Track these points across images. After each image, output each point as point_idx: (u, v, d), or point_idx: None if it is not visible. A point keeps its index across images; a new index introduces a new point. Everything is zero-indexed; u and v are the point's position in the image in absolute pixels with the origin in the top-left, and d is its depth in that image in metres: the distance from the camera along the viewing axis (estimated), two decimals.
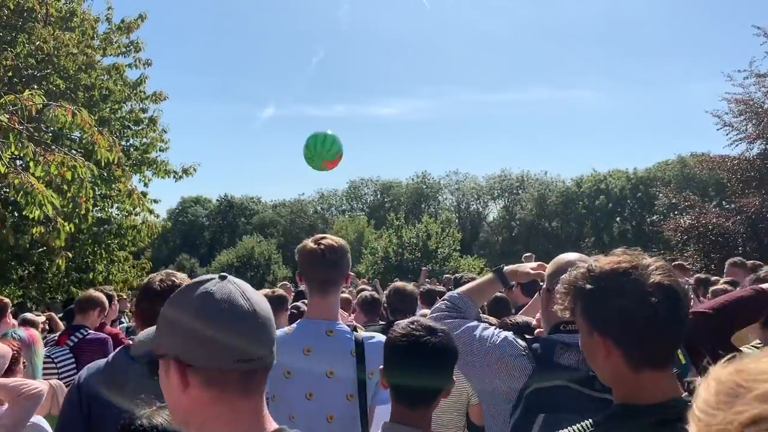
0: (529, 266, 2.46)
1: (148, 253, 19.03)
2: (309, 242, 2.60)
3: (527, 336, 2.15)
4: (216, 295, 1.12)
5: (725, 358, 0.78)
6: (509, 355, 2.05)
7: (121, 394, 2.09)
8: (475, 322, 2.28)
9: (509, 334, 2.14)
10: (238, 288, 1.16)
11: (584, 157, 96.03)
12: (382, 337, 2.57)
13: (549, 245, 43.96)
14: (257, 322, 1.14)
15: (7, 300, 4.36)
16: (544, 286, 2.19)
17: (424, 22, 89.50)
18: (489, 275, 2.51)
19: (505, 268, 2.49)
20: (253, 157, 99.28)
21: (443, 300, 2.42)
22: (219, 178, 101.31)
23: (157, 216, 12.45)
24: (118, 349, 2.35)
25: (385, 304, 4.78)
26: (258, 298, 1.17)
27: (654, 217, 43.31)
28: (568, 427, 1.43)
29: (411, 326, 1.97)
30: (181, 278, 2.31)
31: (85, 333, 4.52)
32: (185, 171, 13.60)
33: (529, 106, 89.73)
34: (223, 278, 1.17)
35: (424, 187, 62.78)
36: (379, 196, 64.67)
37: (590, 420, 1.43)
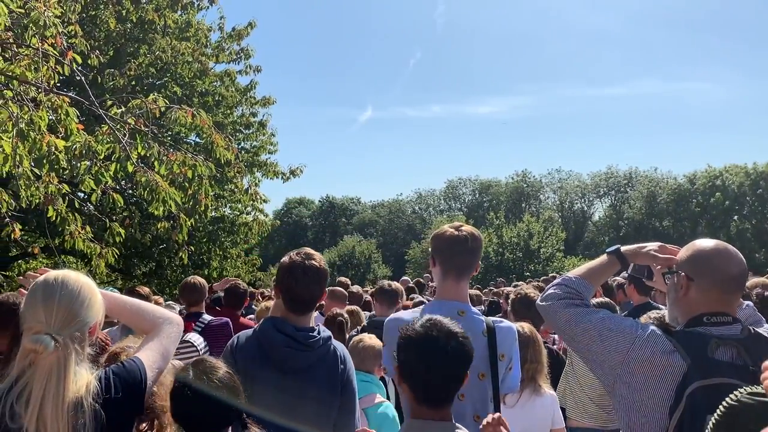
0: (650, 247, 2.20)
1: (256, 252, 19.83)
2: (448, 228, 2.67)
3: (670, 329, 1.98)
4: None
5: None
6: (660, 352, 1.86)
7: (268, 358, 2.41)
8: (606, 311, 2.11)
9: (654, 327, 1.95)
10: None
11: (698, 152, 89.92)
12: (509, 323, 2.65)
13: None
14: None
15: (147, 289, 4.67)
16: (683, 273, 1.98)
17: (521, 19, 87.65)
18: (604, 257, 2.25)
19: (623, 248, 2.24)
20: (352, 159, 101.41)
21: (556, 284, 2.18)
22: (320, 179, 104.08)
23: (266, 215, 12.91)
24: (266, 319, 2.57)
25: (509, 309, 4.64)
26: None
27: None
28: None
29: (429, 326, 1.94)
30: (320, 258, 2.58)
31: (206, 319, 4.81)
32: (292, 172, 14.02)
33: (638, 99, 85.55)
34: None
35: (525, 185, 61.36)
36: (477, 195, 63.91)
37: None
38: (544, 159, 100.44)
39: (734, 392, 1.40)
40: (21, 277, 2.11)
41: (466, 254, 2.61)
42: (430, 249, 2.75)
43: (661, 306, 5.09)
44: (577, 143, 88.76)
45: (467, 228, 2.66)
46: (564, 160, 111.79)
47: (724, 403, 1.40)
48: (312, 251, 2.60)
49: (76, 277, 1.86)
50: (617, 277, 6.81)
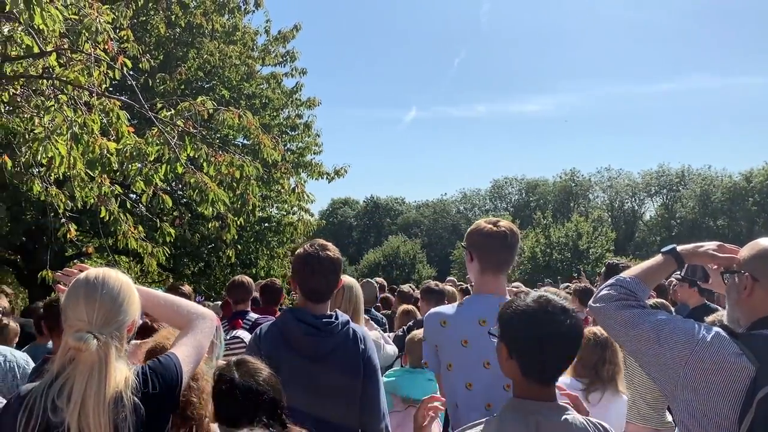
0: (709, 246, 2.08)
1: None
2: (485, 224, 2.67)
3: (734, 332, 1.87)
4: None
5: None
6: (727, 355, 1.74)
7: (291, 347, 2.48)
8: (664, 312, 2.00)
9: (719, 329, 1.83)
10: None
11: (754, 149, 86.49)
12: None
13: None
14: None
15: (189, 287, 4.74)
16: (746, 273, 1.87)
17: (567, 15, 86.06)
18: (659, 257, 2.14)
19: (680, 247, 2.12)
20: (396, 159, 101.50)
21: (610, 285, 2.07)
22: (365, 179, 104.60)
23: (312, 215, 13.04)
24: (285, 310, 2.68)
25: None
26: None
27: None
28: None
29: (543, 302, 1.87)
30: (334, 248, 2.63)
31: (253, 317, 4.86)
32: (337, 172, 14.09)
33: (690, 95, 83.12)
34: None
35: (573, 184, 60.22)
36: (524, 195, 63.08)
37: None
38: (592, 157, 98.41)
39: None
40: (59, 273, 2.15)
41: (503, 250, 2.62)
42: (465, 244, 2.75)
43: (719, 308, 4.88)
44: (626, 141, 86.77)
45: (504, 223, 2.67)
46: (613, 159, 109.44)
47: None
48: (325, 242, 2.66)
49: (116, 275, 1.89)
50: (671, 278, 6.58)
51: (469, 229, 2.76)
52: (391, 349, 4.46)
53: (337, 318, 2.58)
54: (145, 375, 1.81)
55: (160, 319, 2.33)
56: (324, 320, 2.53)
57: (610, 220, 52.89)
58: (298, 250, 2.66)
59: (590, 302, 2.12)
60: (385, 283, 8.40)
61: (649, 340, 1.87)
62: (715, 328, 1.84)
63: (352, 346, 2.55)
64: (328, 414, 2.42)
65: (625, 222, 57.60)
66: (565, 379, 3.35)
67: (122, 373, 1.77)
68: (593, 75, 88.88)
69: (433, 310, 2.77)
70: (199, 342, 2.02)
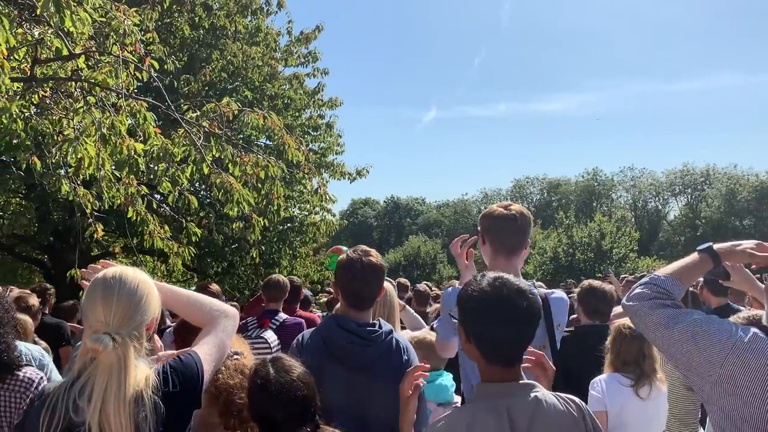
0: (747, 245, 2.03)
1: (324, 252, 20.11)
2: (497, 207, 2.74)
3: None
4: None
5: None
6: (766, 355, 1.69)
7: (333, 355, 2.46)
8: (701, 312, 1.94)
9: (757, 330, 1.77)
10: None
11: None
12: (561, 293, 2.75)
13: None
14: None
15: (217, 287, 4.76)
16: None
17: (589, 13, 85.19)
18: (695, 255, 2.07)
19: (716, 245, 2.06)
20: (417, 159, 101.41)
21: (644, 284, 2.01)
22: (385, 180, 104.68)
23: (334, 215, 13.08)
24: (328, 317, 2.72)
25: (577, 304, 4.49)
26: None
27: None
28: None
29: (498, 284, 1.84)
30: (377, 255, 2.64)
31: (282, 317, 4.85)
32: (359, 173, 14.10)
33: (715, 94, 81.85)
34: None
35: (596, 184, 59.63)
36: (546, 194, 62.63)
37: None
38: (615, 157, 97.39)
39: None
40: (83, 270, 2.16)
41: (516, 233, 2.67)
42: (479, 228, 2.80)
43: (741, 308, 4.79)
44: (650, 140, 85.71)
45: (516, 207, 2.72)
46: (636, 158, 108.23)
47: None
48: (369, 248, 2.64)
49: (133, 274, 1.90)
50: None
51: (481, 213, 2.82)
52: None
53: (380, 327, 2.55)
54: (165, 374, 1.81)
55: (183, 317, 2.34)
56: (367, 329, 2.51)
57: (633, 219, 52.30)
58: (341, 257, 2.64)
59: (623, 300, 2.06)
60: (408, 283, 8.38)
61: (684, 340, 1.81)
62: (753, 329, 1.78)
63: (396, 357, 2.53)
64: (369, 424, 2.40)
65: (648, 222, 56.89)
66: (606, 376, 3.31)
67: (143, 372, 1.78)
68: (617, 73, 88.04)
69: (450, 288, 2.86)
70: (221, 340, 2.02)
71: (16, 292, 4.85)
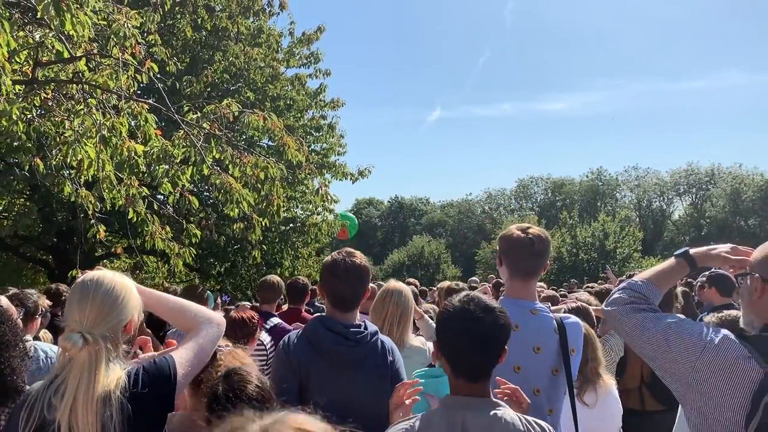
0: (721, 249, 2.10)
1: (327, 252, 20.14)
2: (515, 230, 2.68)
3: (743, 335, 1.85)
4: None
5: None
6: (734, 357, 1.74)
7: (319, 356, 2.47)
8: (676, 316, 1.99)
9: (727, 332, 1.82)
10: None
11: None
12: (576, 319, 2.70)
13: (745, 246, 39.21)
14: None
15: (201, 287, 4.79)
16: (757, 275, 1.87)
17: (593, 12, 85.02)
18: (671, 260, 2.15)
19: (692, 250, 2.14)
20: (421, 159, 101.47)
21: (622, 288, 2.09)
22: (389, 180, 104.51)
23: (337, 216, 13.09)
24: (314, 319, 2.67)
25: None
26: None
27: None
28: None
29: (466, 300, 1.92)
30: (361, 256, 2.63)
31: (275, 321, 4.86)
32: (361, 173, 14.10)
33: (720, 93, 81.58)
34: None
35: (600, 183, 59.50)
36: (550, 194, 62.48)
37: None
38: (619, 156, 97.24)
39: None
40: (85, 271, 2.22)
41: (532, 258, 2.61)
42: (497, 248, 2.78)
43: None
44: (654, 140, 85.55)
45: (534, 230, 2.66)
46: (640, 158, 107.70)
47: None
48: (353, 250, 2.65)
49: (111, 277, 1.94)
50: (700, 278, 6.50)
51: (500, 233, 2.78)
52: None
53: (366, 328, 2.57)
54: (136, 375, 1.85)
55: (168, 320, 2.38)
56: (352, 329, 2.53)
57: (637, 219, 52.22)
58: (326, 258, 2.67)
59: (603, 305, 2.16)
60: (417, 283, 8.45)
61: (659, 343, 1.88)
62: (724, 331, 1.83)
63: (381, 357, 2.55)
64: (354, 424, 2.42)
65: (653, 221, 56.74)
66: None
67: (114, 373, 1.82)
68: (621, 72, 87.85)
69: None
70: (201, 346, 2.05)
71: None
